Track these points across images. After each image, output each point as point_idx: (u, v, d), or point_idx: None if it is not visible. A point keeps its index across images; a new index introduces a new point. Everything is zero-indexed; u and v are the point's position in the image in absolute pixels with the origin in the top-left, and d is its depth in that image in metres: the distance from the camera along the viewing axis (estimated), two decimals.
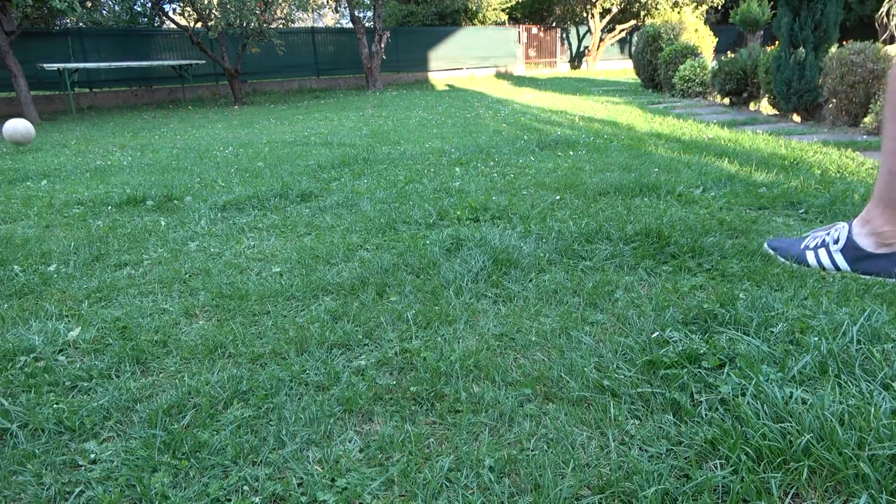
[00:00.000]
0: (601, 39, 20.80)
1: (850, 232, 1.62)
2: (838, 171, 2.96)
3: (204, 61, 13.63)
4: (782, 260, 1.70)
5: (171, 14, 13.61)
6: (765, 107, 6.34)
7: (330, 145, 5.06)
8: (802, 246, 1.70)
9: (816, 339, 1.23)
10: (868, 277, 1.57)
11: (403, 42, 17.87)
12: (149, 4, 15.39)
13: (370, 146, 4.82)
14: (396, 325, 1.48)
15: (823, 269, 1.63)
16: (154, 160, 4.71)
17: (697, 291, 1.58)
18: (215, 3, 11.49)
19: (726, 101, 7.09)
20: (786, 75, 5.25)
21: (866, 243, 1.58)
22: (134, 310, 1.65)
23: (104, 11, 16.36)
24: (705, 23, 11.77)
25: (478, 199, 2.69)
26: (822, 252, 1.64)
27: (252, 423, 1.11)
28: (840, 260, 1.61)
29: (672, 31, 9.33)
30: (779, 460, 0.91)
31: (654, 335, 1.32)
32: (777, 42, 5.43)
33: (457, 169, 3.58)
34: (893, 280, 1.55)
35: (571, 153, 3.93)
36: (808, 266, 1.64)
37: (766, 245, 1.80)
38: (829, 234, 1.66)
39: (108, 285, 1.86)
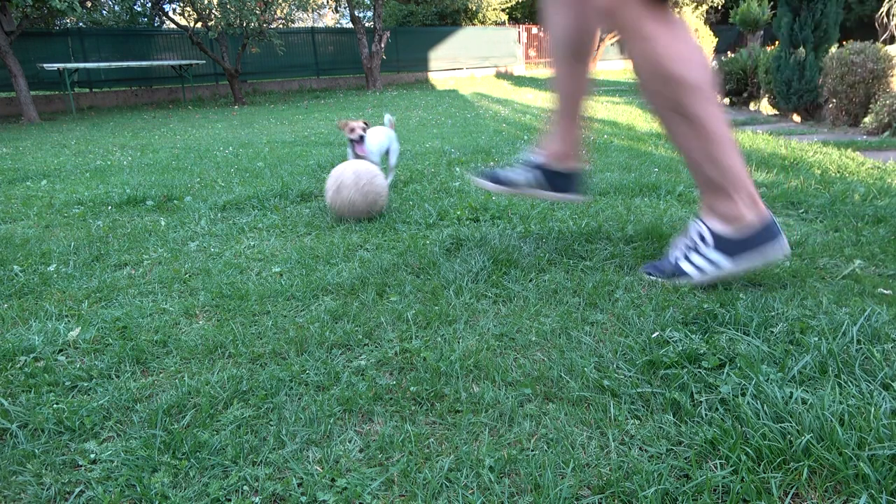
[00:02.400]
0: (601, 39, 20.80)
1: (710, 228, 1.59)
2: (838, 171, 2.96)
3: (204, 61, 13.63)
4: (662, 281, 1.62)
5: (171, 14, 13.62)
6: (765, 107, 6.34)
7: (330, 145, 5.06)
8: (673, 260, 1.64)
9: (816, 339, 1.23)
10: (747, 263, 1.55)
11: (403, 42, 17.87)
12: (149, 4, 15.39)
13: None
14: (396, 325, 1.48)
15: (704, 273, 1.57)
16: (154, 160, 4.71)
17: (697, 291, 1.58)
18: (215, 3, 11.49)
19: (726, 101, 7.09)
20: (786, 75, 5.25)
21: (725, 230, 1.56)
22: (134, 310, 1.65)
23: (104, 11, 16.37)
24: (705, 23, 11.77)
25: (478, 199, 2.69)
26: (695, 256, 1.59)
27: (252, 423, 1.11)
28: (718, 257, 1.57)
29: None
30: (779, 460, 0.91)
31: (654, 335, 1.32)
32: (777, 42, 5.44)
33: (457, 169, 3.59)
34: (772, 252, 1.53)
35: None
36: (689, 276, 1.59)
37: (641, 271, 1.71)
38: (689, 238, 1.63)
39: (108, 285, 1.86)
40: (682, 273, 1.60)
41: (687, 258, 1.61)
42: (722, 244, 1.56)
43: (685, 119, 1.52)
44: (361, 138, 2.86)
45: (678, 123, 1.54)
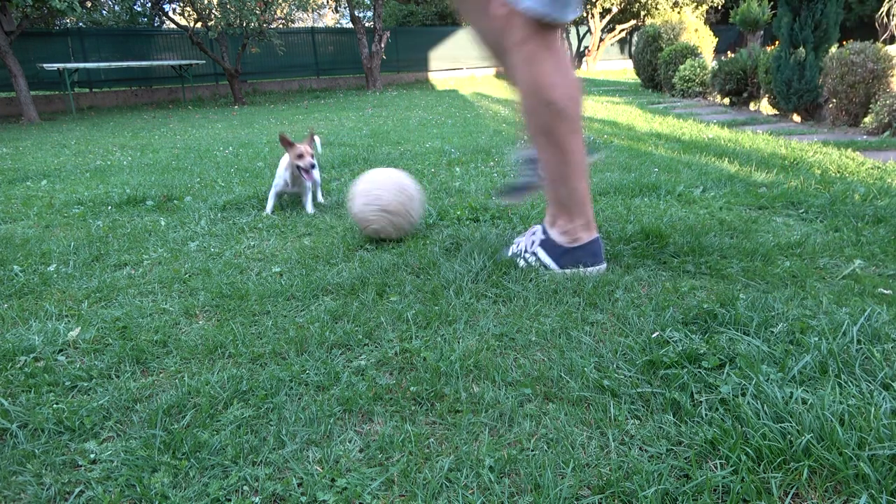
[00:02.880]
0: (601, 39, 20.79)
1: (545, 233, 1.80)
2: (838, 171, 2.96)
3: (204, 61, 13.63)
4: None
5: (171, 14, 13.62)
6: (765, 107, 6.34)
7: (330, 145, 5.06)
8: (510, 253, 1.87)
9: (816, 339, 1.23)
10: (570, 270, 1.76)
11: (403, 42, 17.87)
12: (149, 4, 15.40)
13: (370, 146, 4.82)
14: (396, 325, 1.48)
15: (533, 269, 1.79)
16: (154, 160, 4.71)
17: (697, 291, 1.58)
18: (215, 3, 11.49)
19: (726, 101, 7.09)
20: (786, 75, 5.25)
21: (561, 240, 1.78)
22: (134, 310, 1.65)
23: (104, 11, 16.37)
24: (705, 23, 11.78)
25: (478, 199, 2.69)
26: (528, 256, 1.82)
27: (252, 423, 1.11)
28: (545, 257, 1.79)
29: (672, 31, 9.33)
30: (779, 460, 0.91)
31: (654, 335, 1.32)
32: (777, 42, 5.43)
33: (457, 169, 3.59)
34: (591, 269, 1.76)
35: None
36: (519, 268, 1.80)
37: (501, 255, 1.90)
38: (529, 239, 1.84)
39: (108, 285, 1.86)
40: (516, 265, 1.83)
41: (522, 256, 1.84)
42: (552, 251, 1.79)
43: (553, 143, 1.68)
44: (313, 166, 2.59)
45: (546, 145, 1.70)
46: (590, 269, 1.77)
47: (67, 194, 3.37)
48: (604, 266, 1.79)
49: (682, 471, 0.93)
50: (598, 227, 1.81)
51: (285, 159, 2.70)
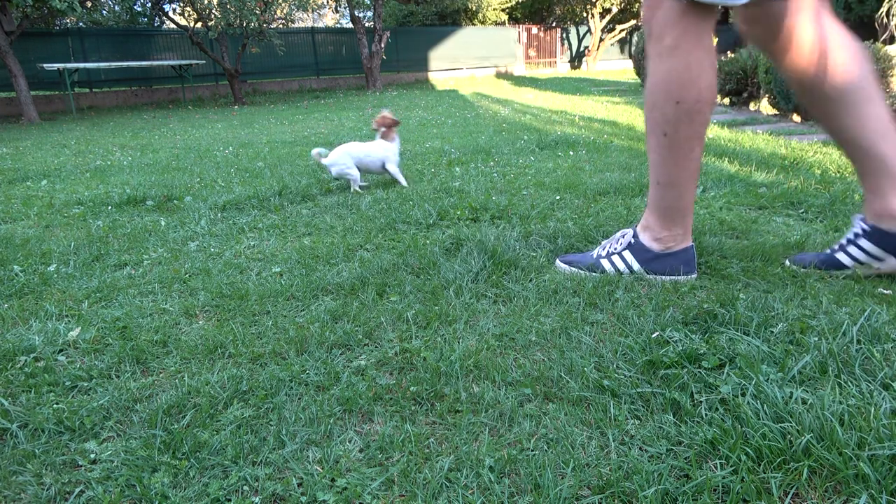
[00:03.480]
0: (601, 39, 20.81)
1: (635, 236, 1.73)
2: (838, 171, 2.96)
3: (204, 61, 13.63)
4: (576, 271, 1.76)
5: (171, 14, 13.61)
6: (765, 107, 6.34)
7: (330, 145, 5.06)
8: (595, 255, 1.78)
9: (816, 339, 1.24)
10: (661, 277, 1.69)
11: (403, 42, 17.87)
12: (149, 4, 15.40)
13: None
14: (396, 325, 1.48)
15: (620, 273, 1.72)
16: (154, 160, 4.71)
17: (697, 291, 1.58)
18: (215, 3, 11.50)
19: (726, 101, 7.10)
20: None
21: (652, 246, 1.69)
22: (134, 310, 1.65)
23: (104, 11, 16.37)
24: None
25: (478, 199, 2.69)
26: (615, 258, 1.74)
27: (252, 423, 1.11)
28: (632, 261, 1.71)
29: None
30: (779, 460, 0.91)
31: (654, 335, 1.32)
32: None
33: (457, 169, 3.59)
34: (684, 277, 1.67)
35: (571, 153, 3.93)
36: (605, 272, 1.73)
37: (558, 262, 1.83)
38: (618, 242, 1.76)
39: (108, 285, 1.86)
40: (602, 269, 1.74)
41: (608, 258, 1.75)
42: (641, 255, 1.71)
43: (671, 145, 1.56)
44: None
45: (662, 146, 1.58)
46: (680, 277, 1.67)
47: (67, 194, 3.37)
48: (695, 275, 1.68)
49: (682, 471, 0.93)
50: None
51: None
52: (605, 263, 1.74)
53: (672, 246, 1.68)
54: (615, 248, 1.76)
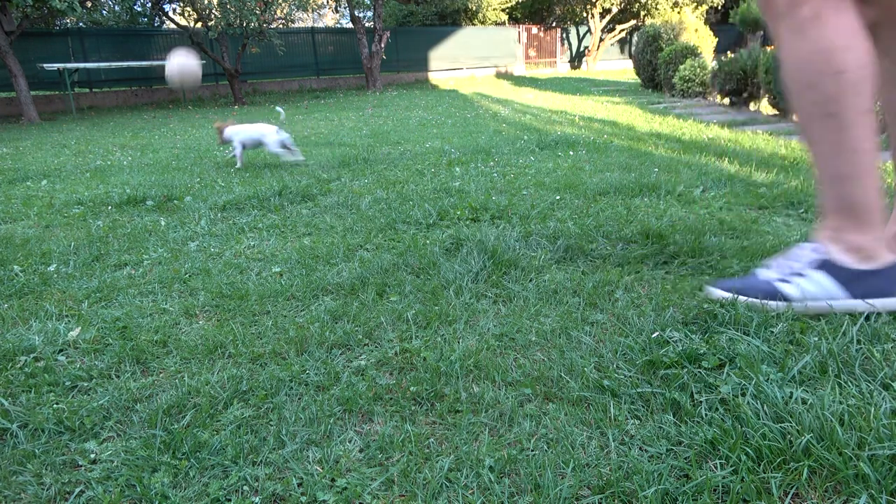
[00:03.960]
0: (601, 39, 20.80)
1: (822, 250, 1.39)
2: None
3: (204, 61, 13.61)
4: (752, 301, 1.41)
5: (171, 14, 13.61)
6: (765, 107, 6.34)
7: (330, 145, 5.06)
8: (769, 280, 1.44)
9: (816, 339, 1.24)
10: (874, 301, 1.34)
11: (403, 42, 17.86)
12: (149, 4, 15.39)
13: (370, 146, 4.83)
14: (396, 325, 1.48)
15: (813, 301, 1.38)
16: (154, 160, 4.71)
17: (697, 291, 1.58)
18: (215, 3, 11.49)
19: (726, 101, 7.09)
20: None
21: (848, 260, 1.36)
22: (134, 310, 1.65)
23: (104, 11, 16.36)
24: (705, 23, 11.76)
25: (478, 199, 2.69)
26: (803, 282, 1.39)
27: (252, 423, 1.11)
28: (829, 283, 1.37)
29: (672, 31, 9.33)
30: (779, 460, 0.91)
31: (654, 335, 1.32)
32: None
33: (457, 169, 3.58)
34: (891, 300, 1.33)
35: (571, 153, 3.93)
36: (790, 301, 1.39)
37: (714, 290, 1.49)
38: (797, 261, 1.43)
39: (108, 285, 1.86)
40: (782, 296, 1.40)
41: (789, 281, 1.41)
42: (840, 274, 1.36)
43: (838, 128, 1.30)
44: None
45: (826, 132, 1.31)
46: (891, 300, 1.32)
47: (67, 194, 3.37)
48: None
49: (682, 471, 0.93)
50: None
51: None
52: (791, 289, 1.39)
53: (874, 257, 1.34)
54: (800, 269, 1.41)
